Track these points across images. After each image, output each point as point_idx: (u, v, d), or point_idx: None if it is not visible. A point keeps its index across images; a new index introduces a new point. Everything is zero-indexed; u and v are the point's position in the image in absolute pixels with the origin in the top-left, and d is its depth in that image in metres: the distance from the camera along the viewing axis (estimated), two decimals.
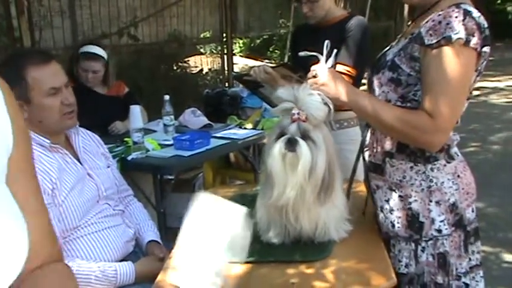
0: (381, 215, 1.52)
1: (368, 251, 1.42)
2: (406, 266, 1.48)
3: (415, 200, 1.45)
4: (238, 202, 1.79)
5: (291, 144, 1.31)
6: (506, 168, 4.89)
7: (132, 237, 1.83)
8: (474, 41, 1.30)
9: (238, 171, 3.63)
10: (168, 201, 3.06)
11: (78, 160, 1.76)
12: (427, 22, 1.37)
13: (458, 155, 1.48)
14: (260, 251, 1.42)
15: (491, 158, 5.27)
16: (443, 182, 1.44)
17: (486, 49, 1.34)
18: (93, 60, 3.08)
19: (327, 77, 1.45)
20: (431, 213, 1.43)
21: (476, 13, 1.33)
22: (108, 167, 1.89)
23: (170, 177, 3.25)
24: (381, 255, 1.40)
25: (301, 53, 1.57)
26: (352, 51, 2.24)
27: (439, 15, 1.34)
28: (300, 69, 1.54)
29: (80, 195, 1.68)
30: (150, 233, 1.91)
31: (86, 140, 1.87)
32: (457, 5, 1.33)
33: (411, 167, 1.45)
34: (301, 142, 1.30)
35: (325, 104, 1.33)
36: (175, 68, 6.33)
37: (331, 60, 1.49)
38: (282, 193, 1.32)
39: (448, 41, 1.30)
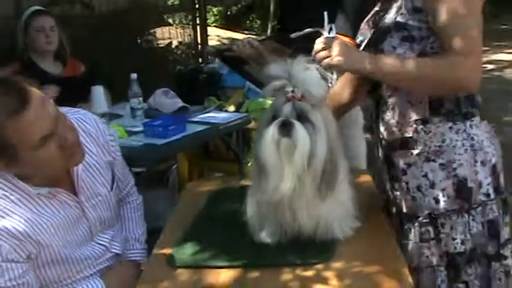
0: (418, 195, 1.54)
1: (378, 249, 1.43)
2: (463, 242, 1.51)
3: (460, 164, 1.50)
4: (223, 197, 1.80)
5: (286, 128, 1.30)
6: None
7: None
8: None
9: (219, 161, 3.62)
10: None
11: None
12: None
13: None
14: (251, 254, 1.42)
15: (508, 143, 5.31)
16: (483, 141, 1.52)
17: None
18: (46, 15, 3.04)
19: (339, 47, 1.47)
20: (478, 175, 1.50)
21: None
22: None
23: (139, 169, 3.21)
24: (393, 254, 1.42)
25: (293, 35, 1.60)
26: (351, 18, 2.22)
27: None
28: (293, 42, 1.55)
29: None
30: (136, 253, 1.84)
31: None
32: None
33: (450, 128, 1.51)
34: (297, 125, 1.30)
35: (324, 79, 1.34)
36: (139, 41, 6.26)
37: (333, 31, 1.51)
38: (276, 187, 1.32)
39: None
